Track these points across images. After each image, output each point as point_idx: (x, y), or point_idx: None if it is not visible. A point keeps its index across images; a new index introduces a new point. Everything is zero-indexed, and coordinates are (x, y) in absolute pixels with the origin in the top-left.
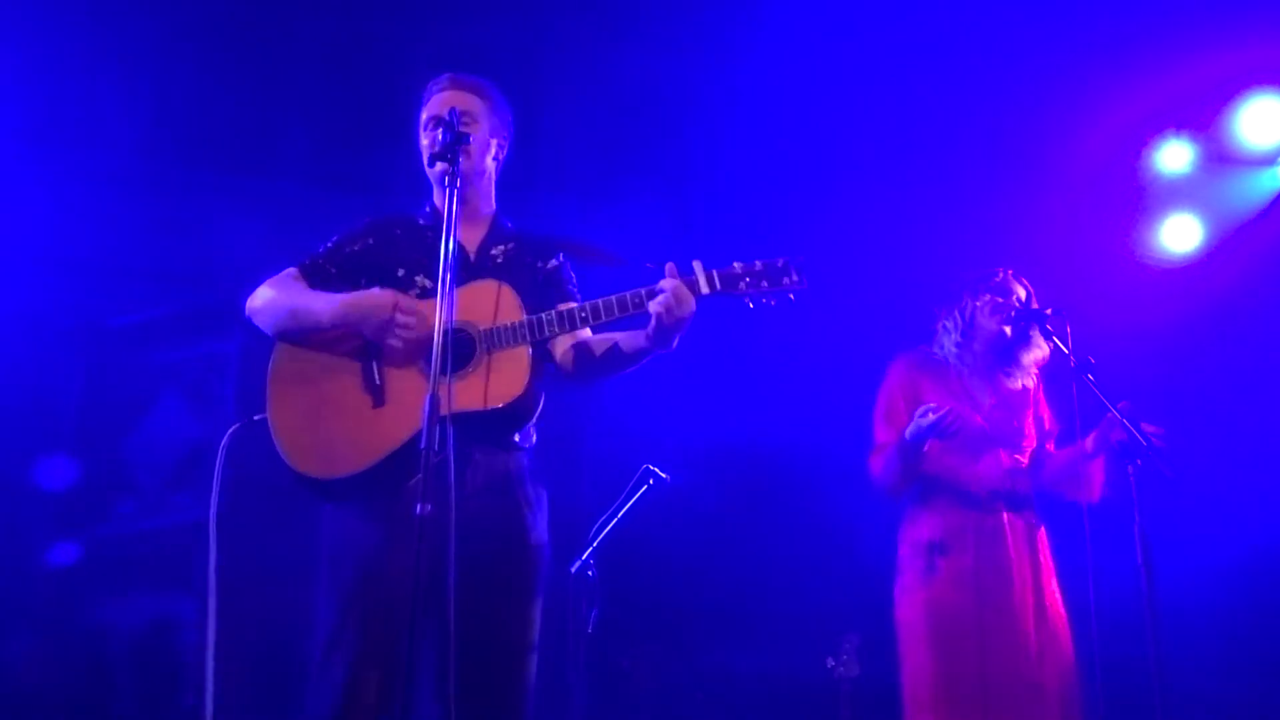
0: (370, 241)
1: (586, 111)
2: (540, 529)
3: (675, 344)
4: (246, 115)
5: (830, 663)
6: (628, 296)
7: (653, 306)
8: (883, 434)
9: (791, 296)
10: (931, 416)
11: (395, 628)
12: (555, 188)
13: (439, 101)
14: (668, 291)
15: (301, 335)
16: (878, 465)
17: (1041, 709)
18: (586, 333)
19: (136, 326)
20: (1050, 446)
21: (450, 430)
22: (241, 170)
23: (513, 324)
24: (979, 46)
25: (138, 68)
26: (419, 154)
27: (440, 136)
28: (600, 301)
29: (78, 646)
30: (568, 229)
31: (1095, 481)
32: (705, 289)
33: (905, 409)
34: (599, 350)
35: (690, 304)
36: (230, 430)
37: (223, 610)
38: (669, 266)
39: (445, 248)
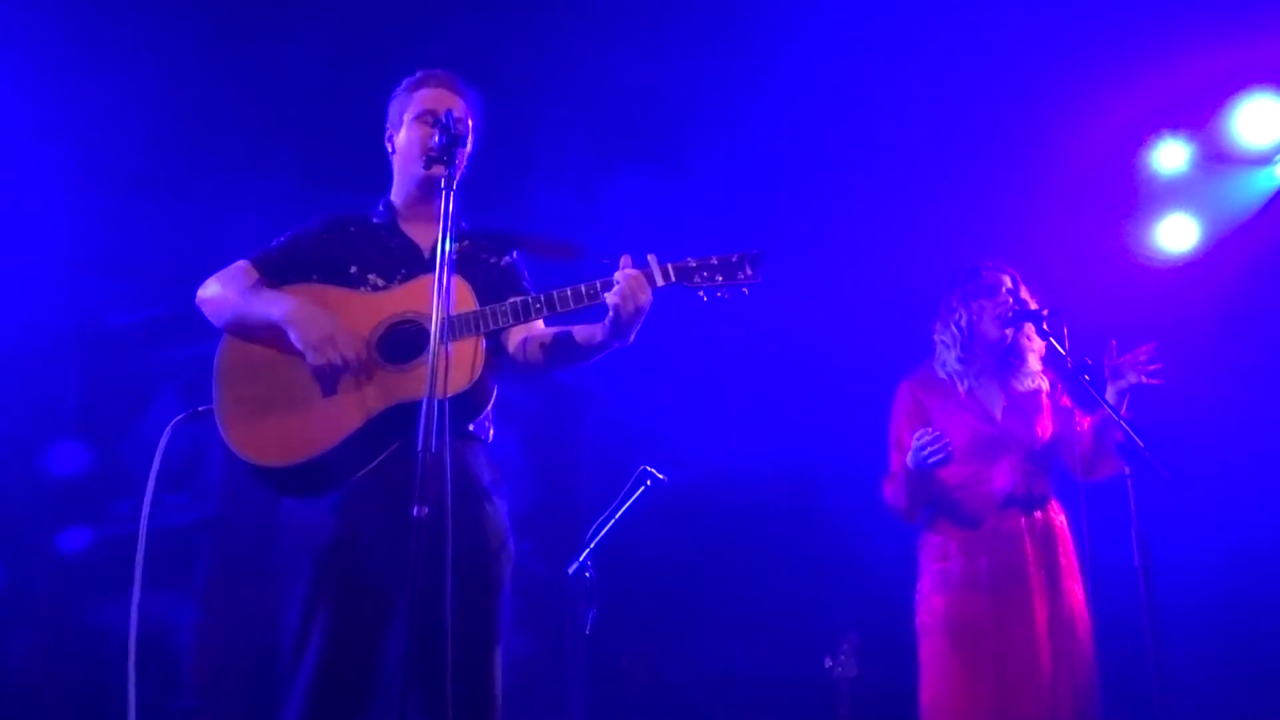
0: (325, 238)
1: (583, 108)
2: (499, 516)
3: (632, 338)
4: (246, 115)
5: (828, 663)
6: (583, 288)
7: (609, 298)
8: (895, 462)
9: (745, 291)
10: (922, 444)
11: (359, 622)
12: (552, 184)
13: (436, 98)
14: (623, 282)
15: (247, 334)
16: (889, 493)
17: (1059, 712)
18: (540, 325)
19: (135, 326)
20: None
21: (423, 423)
22: (241, 169)
23: (465, 315)
24: (975, 45)
25: (137, 67)
26: (385, 133)
27: (438, 139)
28: (555, 293)
29: (75, 647)
30: (565, 224)
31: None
32: (660, 281)
33: (912, 434)
34: (552, 342)
35: (646, 295)
36: (173, 422)
37: (218, 610)
38: (624, 259)
39: (443, 250)
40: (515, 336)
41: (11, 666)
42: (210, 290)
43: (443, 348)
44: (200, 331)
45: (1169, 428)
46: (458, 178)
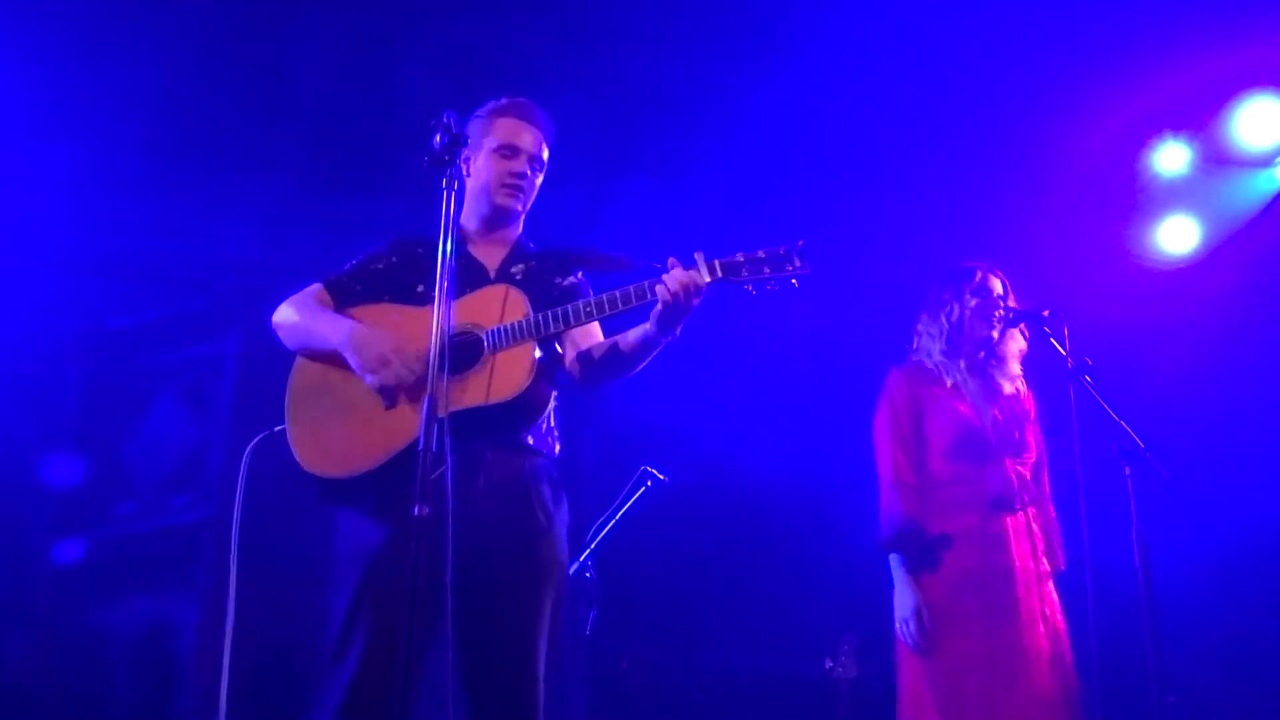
0: (393, 260)
1: (584, 109)
2: (554, 532)
3: (679, 331)
4: (247, 116)
5: (829, 663)
6: (631, 289)
7: (659, 292)
8: (899, 461)
9: (794, 283)
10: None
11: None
12: (553, 185)
13: (516, 131)
14: (673, 278)
15: (314, 356)
16: (891, 509)
17: (1046, 713)
18: (595, 339)
19: (135, 328)
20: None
21: (447, 429)
22: (240, 171)
23: (517, 322)
24: (976, 46)
25: (137, 67)
26: (463, 156)
27: (439, 138)
28: (605, 296)
29: (76, 648)
30: (571, 227)
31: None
32: (708, 277)
33: (910, 426)
34: (607, 350)
35: (697, 289)
36: (254, 442)
37: (239, 614)
38: (671, 259)
39: (444, 247)
40: (571, 350)
41: (11, 667)
42: (282, 314)
43: (493, 357)
44: (200, 333)
45: (1169, 428)
46: (528, 206)
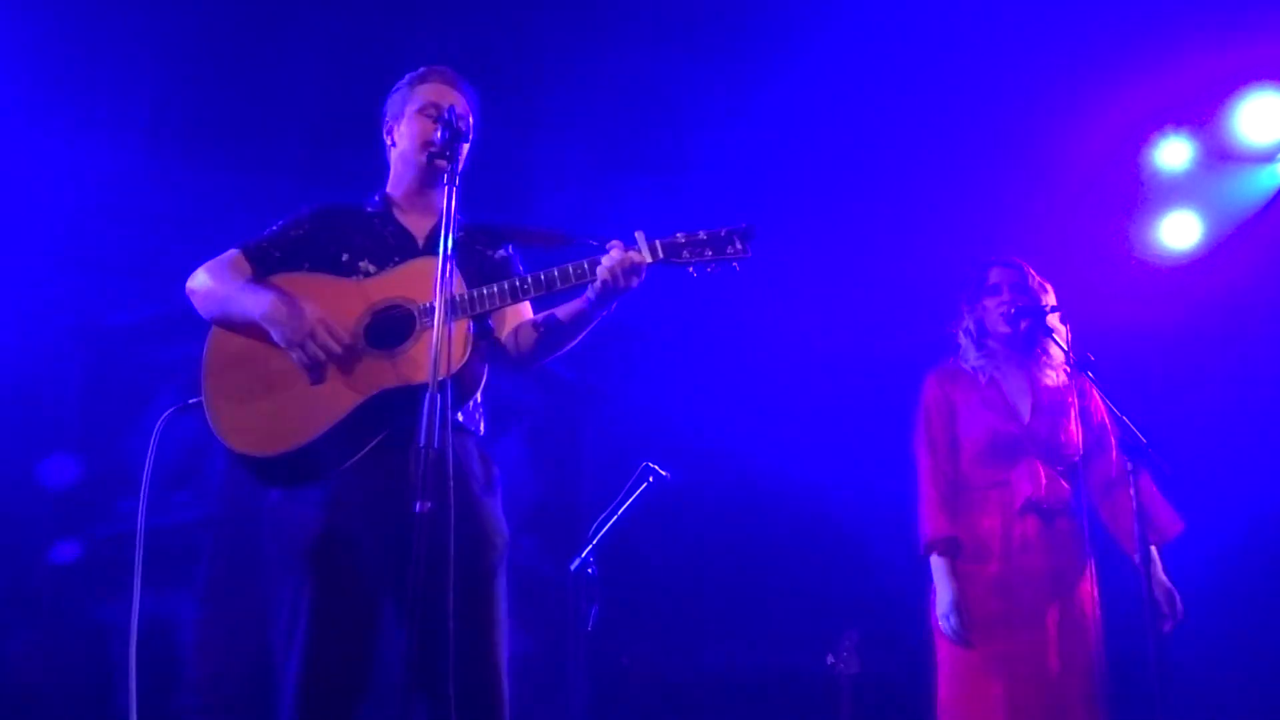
0: (315, 226)
1: (585, 108)
2: (492, 509)
3: (614, 306)
4: (245, 113)
5: (830, 659)
6: (570, 268)
7: (600, 272)
8: (936, 466)
9: (735, 266)
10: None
11: (347, 616)
12: (554, 185)
13: (439, 92)
14: (614, 258)
15: (232, 328)
16: (926, 510)
17: (1068, 715)
18: (529, 313)
19: (135, 325)
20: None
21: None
22: (240, 168)
23: (453, 297)
24: (977, 43)
25: (136, 66)
26: (384, 126)
27: (440, 135)
28: (543, 273)
29: (77, 644)
30: (567, 225)
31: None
32: (649, 258)
33: (943, 430)
34: (542, 325)
35: (637, 270)
36: (163, 417)
37: (219, 608)
38: (614, 242)
39: (445, 245)
40: (506, 325)
41: (12, 665)
42: (198, 281)
43: (427, 332)
44: (200, 331)
45: (1172, 424)
46: (459, 172)
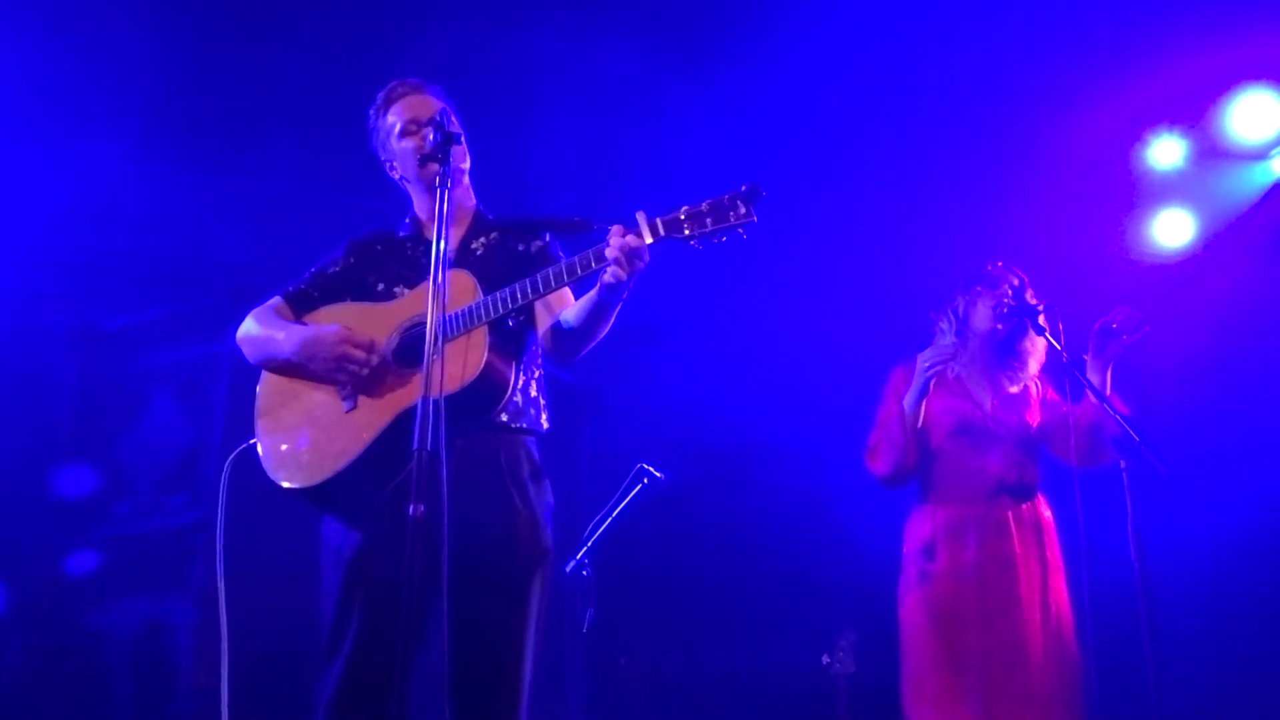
0: (351, 261)
1: (579, 111)
2: (533, 516)
3: (630, 289)
4: (241, 117)
5: (826, 659)
6: (576, 260)
7: (608, 253)
8: (877, 438)
9: (741, 233)
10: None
11: (389, 624)
12: (548, 189)
13: (415, 104)
14: (616, 244)
15: (276, 367)
16: (875, 464)
17: (1043, 705)
18: (569, 302)
19: (130, 329)
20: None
21: (431, 421)
22: (234, 172)
23: (464, 309)
24: (971, 42)
25: (131, 68)
26: (383, 164)
27: (432, 137)
28: (550, 270)
29: (73, 649)
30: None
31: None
32: (649, 238)
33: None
34: (575, 315)
35: (638, 253)
36: (231, 457)
37: (230, 615)
38: (614, 227)
39: (437, 249)
40: (544, 323)
41: (8, 667)
42: (244, 331)
43: (449, 345)
44: (195, 334)
45: (1165, 421)
46: (467, 169)
